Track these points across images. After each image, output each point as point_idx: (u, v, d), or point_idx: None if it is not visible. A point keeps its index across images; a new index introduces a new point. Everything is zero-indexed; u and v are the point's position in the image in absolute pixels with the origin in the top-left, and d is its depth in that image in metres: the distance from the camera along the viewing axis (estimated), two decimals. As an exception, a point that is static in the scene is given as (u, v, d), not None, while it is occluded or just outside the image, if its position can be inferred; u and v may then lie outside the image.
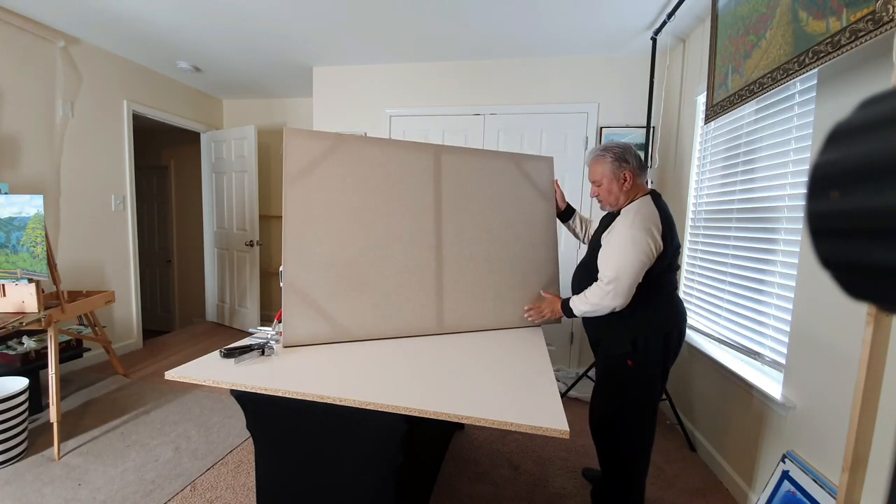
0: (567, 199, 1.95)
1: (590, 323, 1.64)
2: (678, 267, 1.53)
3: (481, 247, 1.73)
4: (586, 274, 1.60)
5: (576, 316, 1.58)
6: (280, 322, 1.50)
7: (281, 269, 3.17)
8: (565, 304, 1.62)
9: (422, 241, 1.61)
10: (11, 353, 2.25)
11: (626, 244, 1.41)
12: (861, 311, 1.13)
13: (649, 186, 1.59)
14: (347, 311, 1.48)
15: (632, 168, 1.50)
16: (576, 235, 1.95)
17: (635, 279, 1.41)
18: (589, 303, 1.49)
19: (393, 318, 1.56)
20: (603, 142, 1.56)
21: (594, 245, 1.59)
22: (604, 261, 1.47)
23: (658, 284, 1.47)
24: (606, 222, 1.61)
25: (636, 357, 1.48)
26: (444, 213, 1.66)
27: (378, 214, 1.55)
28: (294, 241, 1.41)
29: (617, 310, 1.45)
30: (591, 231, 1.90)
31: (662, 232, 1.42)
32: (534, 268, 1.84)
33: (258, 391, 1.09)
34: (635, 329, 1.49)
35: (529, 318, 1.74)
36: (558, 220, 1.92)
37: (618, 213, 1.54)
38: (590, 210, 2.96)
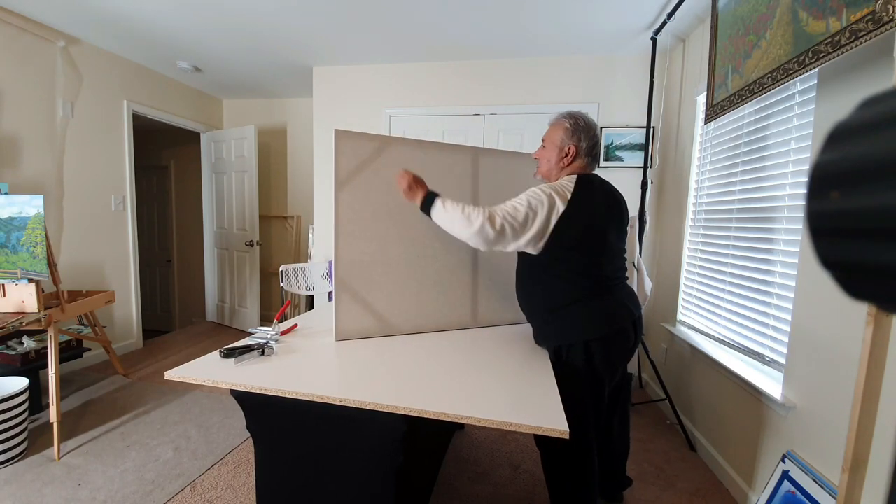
0: None
1: (529, 317, 1.49)
2: (602, 254, 1.34)
3: None
4: (519, 283, 1.48)
5: (429, 214, 1.35)
6: (279, 322, 1.50)
7: (281, 268, 3.17)
8: (431, 197, 1.35)
9: (460, 241, 1.66)
10: (11, 353, 2.25)
11: (526, 195, 1.29)
12: (861, 311, 1.13)
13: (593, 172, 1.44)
14: (394, 308, 1.57)
15: (579, 146, 1.36)
16: None
17: (514, 222, 1.25)
18: (453, 212, 1.29)
19: (433, 313, 1.64)
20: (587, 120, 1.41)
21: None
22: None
23: (579, 271, 1.30)
24: None
25: (560, 369, 1.30)
26: None
27: (420, 215, 1.58)
28: (344, 241, 1.48)
29: (471, 242, 1.30)
30: None
31: (571, 200, 1.28)
32: None
33: (258, 391, 1.09)
34: (557, 334, 1.33)
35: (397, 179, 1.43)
36: None
37: None
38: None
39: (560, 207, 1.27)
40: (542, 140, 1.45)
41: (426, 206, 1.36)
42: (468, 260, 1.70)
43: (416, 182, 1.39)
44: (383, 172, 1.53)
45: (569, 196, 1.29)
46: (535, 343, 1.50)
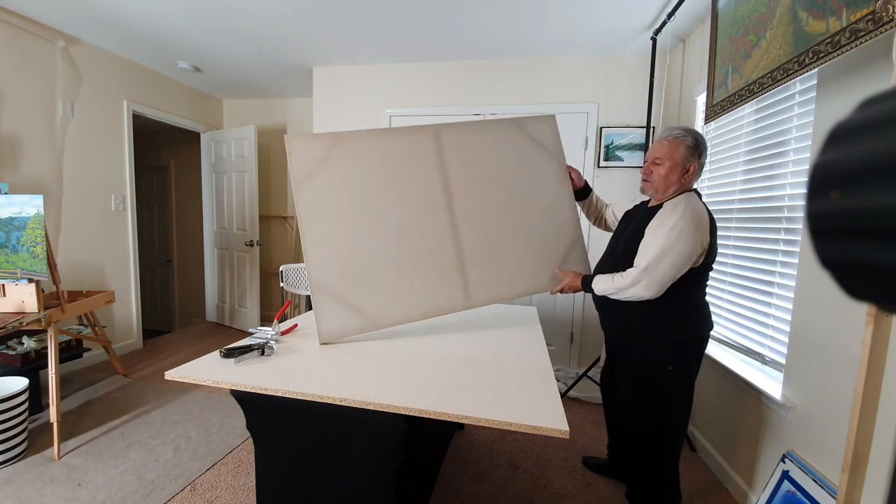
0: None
1: (622, 324, 1.55)
2: (710, 269, 1.48)
3: (497, 217, 1.71)
4: (613, 269, 1.53)
5: (595, 293, 1.53)
6: (279, 322, 1.50)
7: (281, 268, 3.17)
8: (587, 280, 1.56)
9: (436, 222, 1.62)
10: (11, 353, 2.25)
11: (674, 235, 1.33)
12: (861, 311, 1.13)
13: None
14: (376, 303, 1.52)
15: (699, 164, 1.44)
16: (587, 215, 1.92)
17: (674, 274, 1.33)
18: (614, 285, 1.42)
19: (420, 301, 1.58)
20: (670, 127, 1.50)
21: (626, 240, 1.52)
22: (646, 248, 1.38)
23: (698, 284, 1.44)
24: (642, 216, 1.51)
25: (677, 362, 1.43)
26: (454, 190, 1.64)
27: (389, 203, 1.56)
28: (312, 241, 1.45)
29: (642, 298, 1.38)
30: (605, 215, 1.88)
31: (710, 229, 1.38)
32: (556, 228, 1.78)
33: (258, 391, 1.09)
34: (676, 331, 1.43)
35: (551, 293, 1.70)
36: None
37: (655, 207, 1.48)
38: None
39: (706, 243, 1.37)
40: (654, 157, 1.47)
41: (587, 286, 1.57)
42: (447, 239, 1.62)
43: (568, 283, 1.63)
44: (340, 166, 1.51)
45: (707, 229, 1.37)
46: (617, 337, 1.61)
